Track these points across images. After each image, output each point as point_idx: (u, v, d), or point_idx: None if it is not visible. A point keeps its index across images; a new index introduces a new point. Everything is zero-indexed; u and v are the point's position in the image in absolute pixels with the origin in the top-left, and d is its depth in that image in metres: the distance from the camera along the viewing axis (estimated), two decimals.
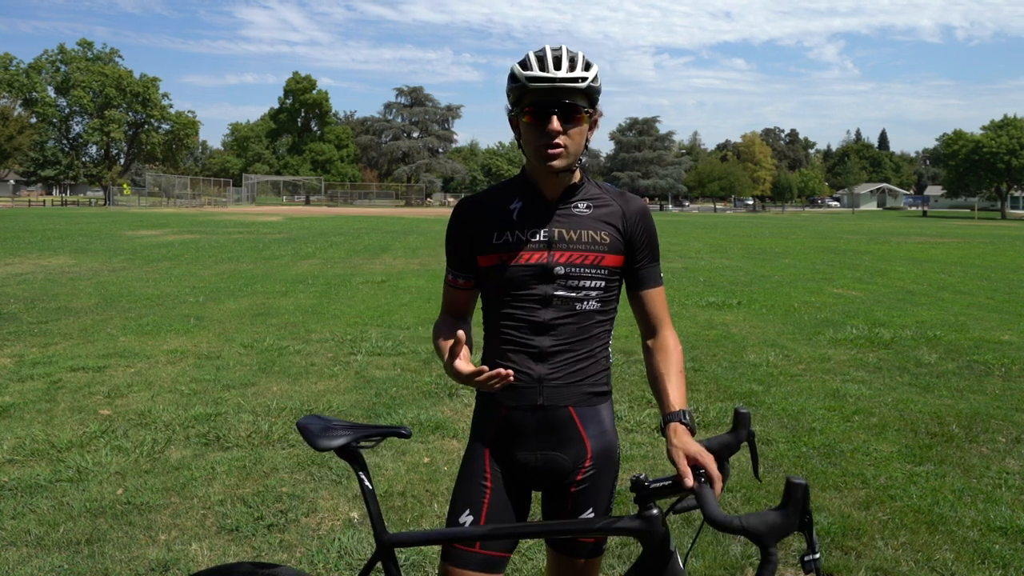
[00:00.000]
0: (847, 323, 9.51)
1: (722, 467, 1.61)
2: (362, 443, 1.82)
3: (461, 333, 1.65)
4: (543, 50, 1.76)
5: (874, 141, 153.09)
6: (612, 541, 3.41)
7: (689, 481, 1.51)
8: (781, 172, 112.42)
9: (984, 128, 77.08)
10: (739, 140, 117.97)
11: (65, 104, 75.05)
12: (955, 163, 77.47)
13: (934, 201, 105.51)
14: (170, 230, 28.13)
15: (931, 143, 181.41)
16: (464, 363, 1.66)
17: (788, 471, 4.43)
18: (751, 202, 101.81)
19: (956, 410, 5.67)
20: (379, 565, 1.77)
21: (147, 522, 3.68)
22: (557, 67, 1.72)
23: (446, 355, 1.71)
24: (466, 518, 1.83)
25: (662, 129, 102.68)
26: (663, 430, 1.69)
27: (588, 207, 1.85)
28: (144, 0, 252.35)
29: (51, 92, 74.81)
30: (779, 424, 5.34)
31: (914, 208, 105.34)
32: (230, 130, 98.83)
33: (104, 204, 66.19)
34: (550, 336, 1.82)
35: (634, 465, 4.48)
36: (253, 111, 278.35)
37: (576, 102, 1.74)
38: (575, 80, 1.72)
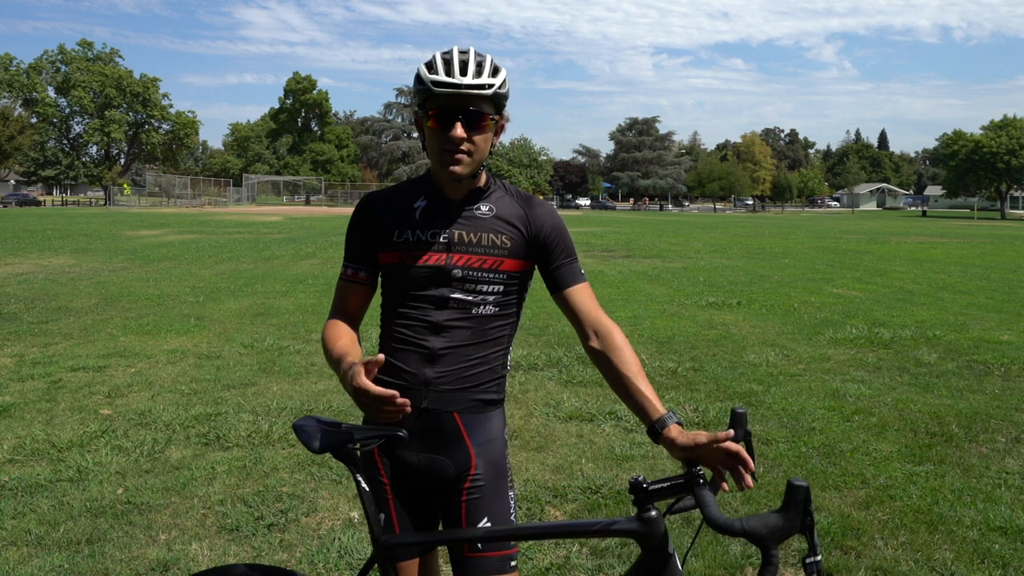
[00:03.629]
0: (847, 323, 9.51)
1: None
2: (359, 445, 1.81)
3: (382, 357, 1.60)
4: (451, 52, 1.72)
5: (874, 141, 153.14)
6: (611, 541, 3.41)
7: (734, 437, 1.49)
8: (781, 172, 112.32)
9: (984, 128, 77.03)
10: (739, 140, 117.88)
11: (65, 104, 75.20)
12: (955, 163, 77.40)
13: (934, 201, 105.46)
14: (170, 230, 28.14)
15: (931, 143, 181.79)
16: (370, 383, 1.57)
17: (788, 471, 4.44)
18: (751, 202, 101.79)
19: (956, 410, 5.68)
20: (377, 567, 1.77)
21: (147, 522, 3.68)
22: (464, 72, 1.69)
23: (345, 366, 1.65)
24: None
25: (662, 129, 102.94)
26: (655, 437, 1.62)
27: (491, 210, 1.83)
28: (144, 0, 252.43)
29: (51, 92, 74.98)
30: (779, 424, 5.34)
31: (914, 208, 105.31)
32: (230, 130, 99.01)
33: (104, 204, 66.21)
34: (442, 337, 1.79)
35: (634, 465, 4.49)
36: (253, 111, 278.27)
37: (482, 109, 1.71)
38: (481, 87, 1.69)
